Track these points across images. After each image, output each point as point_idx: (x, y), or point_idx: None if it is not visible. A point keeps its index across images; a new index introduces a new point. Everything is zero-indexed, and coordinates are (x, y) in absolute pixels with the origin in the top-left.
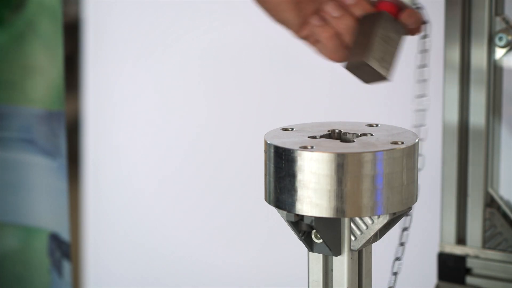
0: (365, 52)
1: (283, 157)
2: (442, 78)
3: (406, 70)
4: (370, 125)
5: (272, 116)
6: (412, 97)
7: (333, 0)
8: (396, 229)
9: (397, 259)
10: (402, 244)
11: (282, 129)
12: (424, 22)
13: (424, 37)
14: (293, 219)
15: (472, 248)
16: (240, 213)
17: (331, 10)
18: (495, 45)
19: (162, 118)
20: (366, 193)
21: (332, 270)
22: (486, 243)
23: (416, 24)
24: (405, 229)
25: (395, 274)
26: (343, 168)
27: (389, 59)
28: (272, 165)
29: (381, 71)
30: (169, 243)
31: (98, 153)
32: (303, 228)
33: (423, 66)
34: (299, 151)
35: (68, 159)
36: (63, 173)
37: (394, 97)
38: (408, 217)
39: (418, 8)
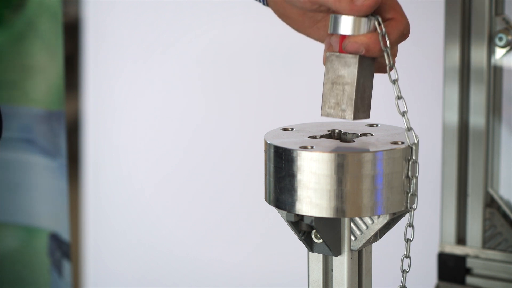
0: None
1: (283, 157)
2: (442, 78)
3: (406, 71)
4: (370, 125)
5: (272, 116)
6: (412, 99)
7: None
8: (396, 229)
9: (407, 256)
10: (407, 240)
11: (282, 129)
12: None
13: (391, 68)
14: (293, 219)
15: (472, 248)
16: (240, 213)
17: None
18: (495, 45)
19: (162, 118)
20: (366, 193)
21: (332, 270)
22: (486, 243)
23: (356, 52)
24: (410, 225)
25: (404, 271)
26: (343, 168)
27: (367, 103)
28: (272, 165)
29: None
30: (169, 243)
31: (98, 153)
32: (303, 228)
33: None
34: (299, 151)
35: (68, 159)
36: (63, 173)
37: (394, 97)
38: (410, 213)
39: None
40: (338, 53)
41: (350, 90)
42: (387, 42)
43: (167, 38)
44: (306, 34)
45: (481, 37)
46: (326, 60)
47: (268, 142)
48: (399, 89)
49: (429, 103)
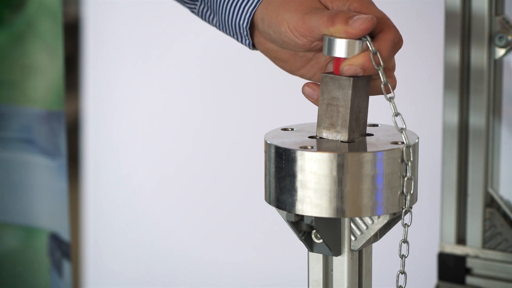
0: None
1: (283, 157)
2: (442, 78)
3: (406, 71)
4: (370, 125)
5: (272, 116)
6: (412, 99)
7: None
8: (396, 229)
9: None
10: (405, 242)
11: (282, 129)
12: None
13: (385, 85)
14: (293, 219)
15: (472, 248)
16: (240, 212)
17: None
18: (495, 45)
19: (162, 118)
20: (366, 193)
21: (332, 270)
22: (486, 243)
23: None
24: (406, 225)
25: (403, 273)
26: (343, 168)
27: (362, 123)
28: (272, 165)
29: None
30: (169, 243)
31: (98, 153)
32: (303, 228)
33: (396, 114)
34: (299, 151)
35: (68, 159)
36: (63, 173)
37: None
38: (408, 214)
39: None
40: (332, 75)
41: (345, 112)
42: (380, 59)
43: (167, 38)
44: (299, 74)
45: (481, 37)
46: (320, 81)
47: (268, 142)
48: (395, 106)
49: (429, 103)
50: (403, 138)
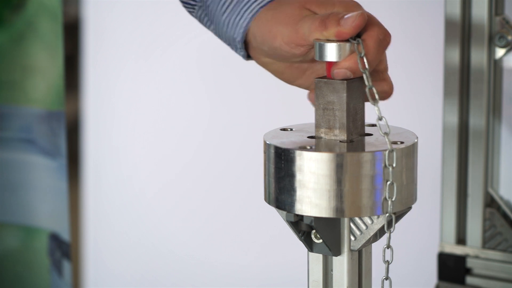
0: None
1: (283, 157)
2: (442, 78)
3: (406, 71)
4: (370, 125)
5: (271, 116)
6: (412, 99)
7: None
8: (396, 228)
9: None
10: (388, 247)
11: (281, 129)
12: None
13: (370, 89)
14: (292, 219)
15: (472, 248)
16: (240, 213)
17: None
18: (495, 45)
19: (162, 118)
20: (366, 193)
21: (332, 270)
22: (486, 243)
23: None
24: (389, 230)
25: (387, 278)
26: (343, 168)
27: (360, 124)
28: (271, 165)
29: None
30: (170, 243)
31: (98, 153)
32: (303, 228)
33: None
34: (298, 151)
35: (68, 159)
36: (63, 173)
37: (394, 97)
38: (393, 220)
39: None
40: (326, 79)
41: (341, 115)
42: (365, 63)
43: (167, 37)
44: (297, 85)
45: (481, 37)
46: (315, 87)
47: (268, 142)
48: (380, 110)
49: (429, 103)
50: (387, 143)
